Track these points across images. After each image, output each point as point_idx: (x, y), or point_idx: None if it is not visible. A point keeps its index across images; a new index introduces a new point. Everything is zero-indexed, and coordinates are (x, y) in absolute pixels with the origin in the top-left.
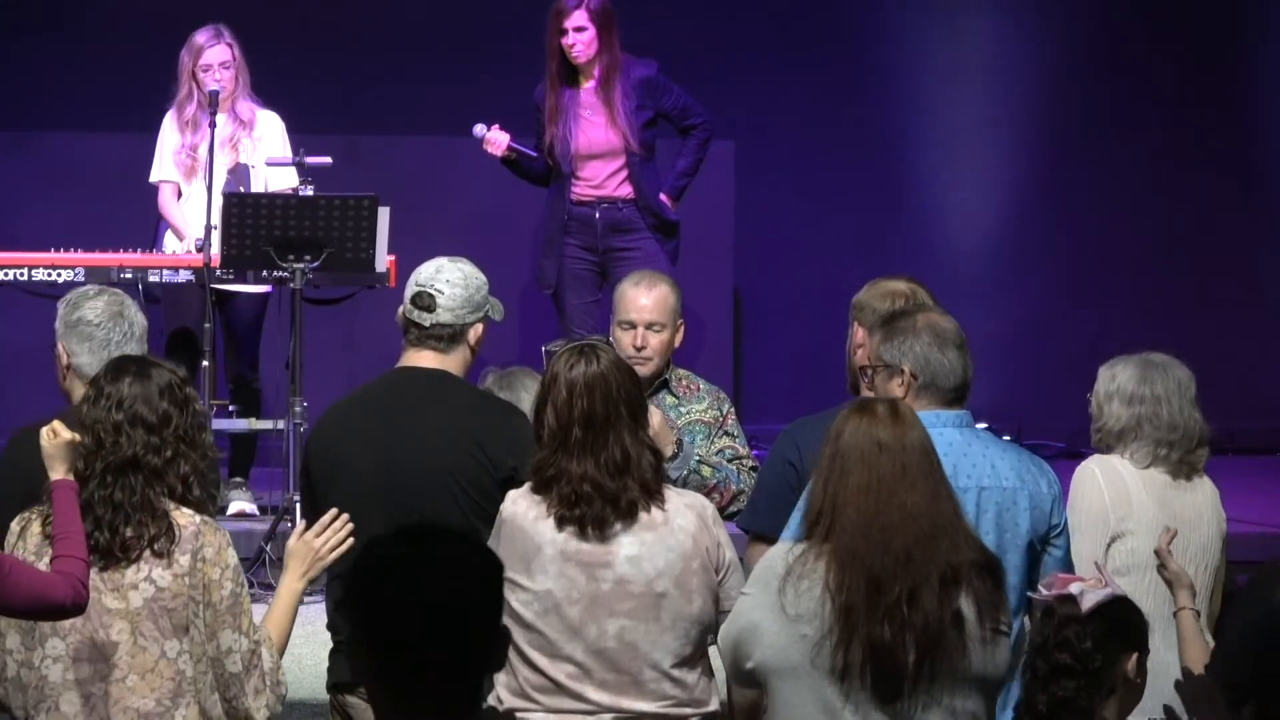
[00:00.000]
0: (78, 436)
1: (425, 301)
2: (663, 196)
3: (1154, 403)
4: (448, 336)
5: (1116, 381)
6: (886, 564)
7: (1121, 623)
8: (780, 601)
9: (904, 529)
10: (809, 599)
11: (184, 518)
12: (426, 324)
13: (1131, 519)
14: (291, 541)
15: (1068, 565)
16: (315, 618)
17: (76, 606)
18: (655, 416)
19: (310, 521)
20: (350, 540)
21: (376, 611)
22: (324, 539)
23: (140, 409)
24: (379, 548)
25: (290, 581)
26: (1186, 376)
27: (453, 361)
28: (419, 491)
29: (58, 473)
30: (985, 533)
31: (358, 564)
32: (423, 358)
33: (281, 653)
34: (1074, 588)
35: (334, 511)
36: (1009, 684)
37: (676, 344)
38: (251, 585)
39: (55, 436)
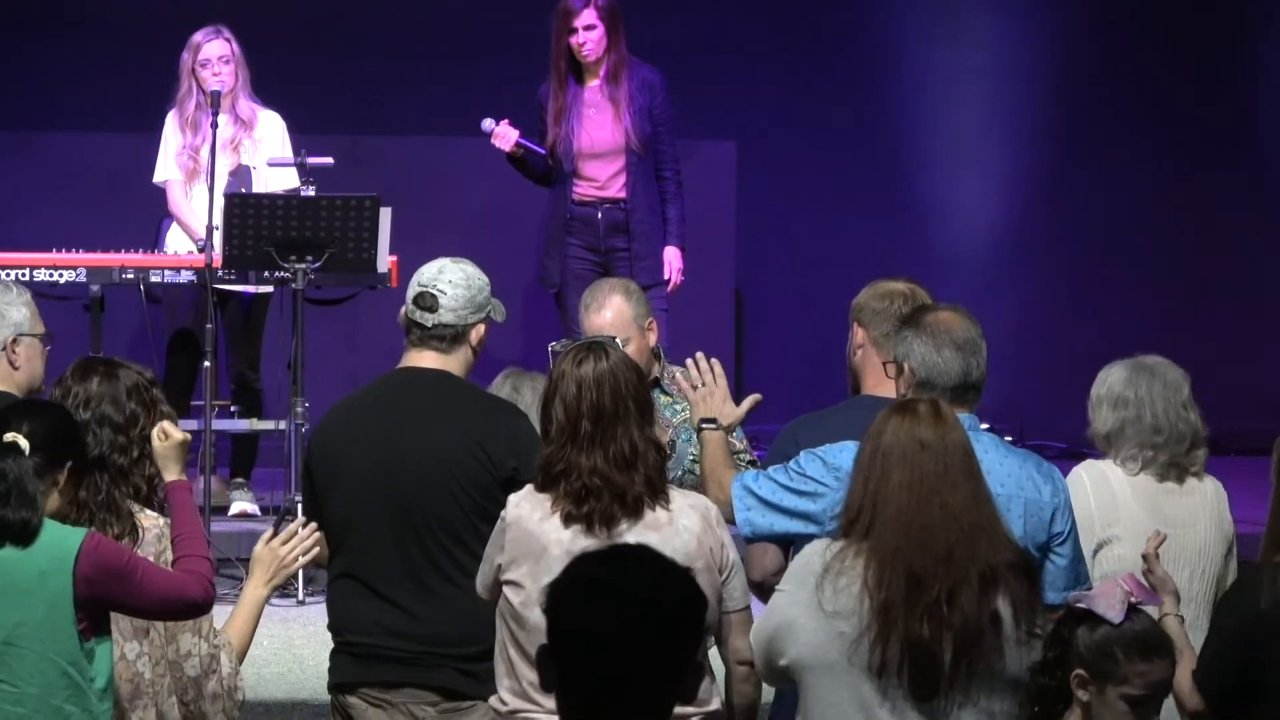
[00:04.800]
0: (189, 436)
1: (428, 302)
2: (673, 249)
3: (1137, 405)
4: (450, 337)
5: (1106, 384)
6: (927, 562)
7: (1081, 637)
8: (818, 598)
9: (945, 528)
10: (847, 596)
11: (148, 520)
12: (429, 324)
13: (1119, 524)
14: (257, 548)
15: (1075, 572)
16: (317, 618)
17: (207, 603)
18: None
19: (315, 522)
20: (317, 550)
21: (571, 633)
22: (290, 546)
23: (107, 409)
24: (585, 568)
25: (254, 588)
26: (1177, 378)
27: (454, 362)
28: (420, 492)
29: (171, 473)
30: None
31: (560, 581)
32: (424, 358)
33: (242, 658)
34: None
35: (302, 519)
36: None
37: (652, 343)
38: None
39: (166, 438)
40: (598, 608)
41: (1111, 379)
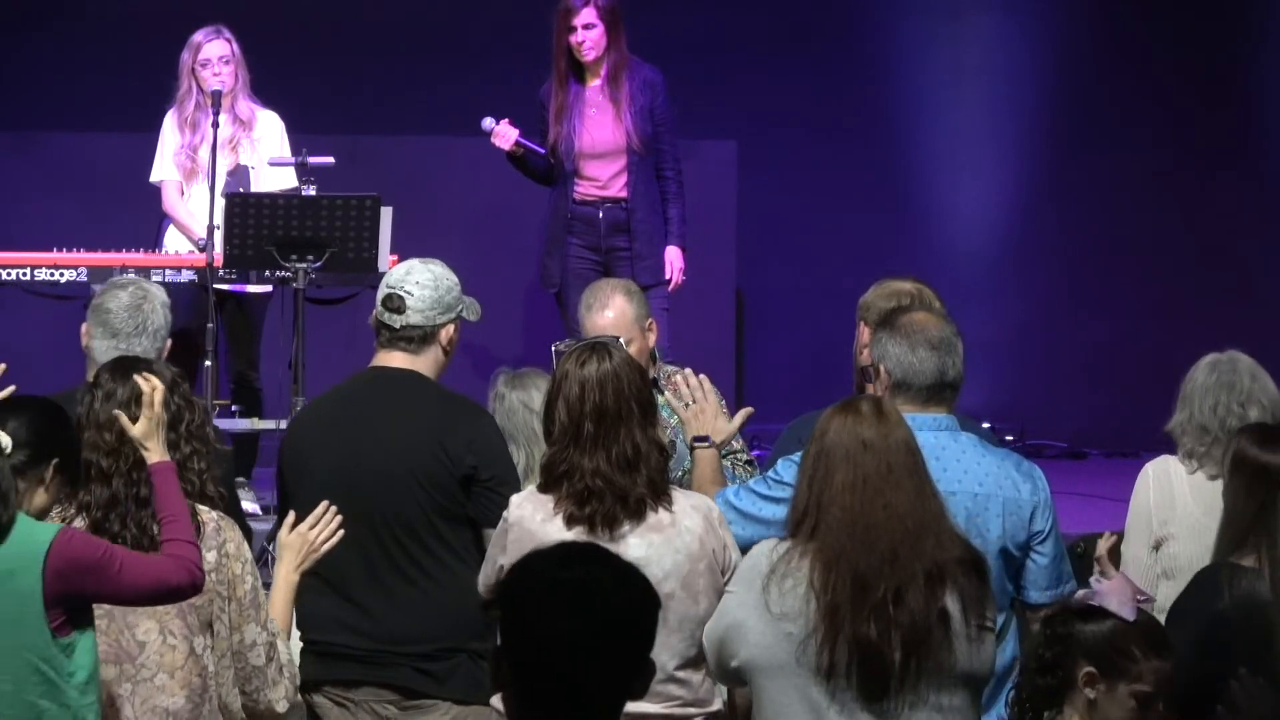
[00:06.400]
0: (162, 411)
1: (395, 303)
2: (674, 249)
3: (1188, 403)
4: (418, 338)
5: (1185, 380)
6: (872, 563)
7: (1091, 634)
8: (765, 600)
9: (889, 527)
10: (793, 597)
11: (204, 514)
12: (396, 325)
13: (1174, 522)
14: (283, 534)
15: (1057, 570)
16: None
17: (193, 587)
18: None
19: (333, 506)
20: (341, 533)
21: (526, 631)
22: (317, 530)
23: None
24: (538, 567)
25: (285, 573)
26: (1237, 377)
27: (423, 362)
28: (380, 490)
29: (155, 454)
30: None
31: (513, 580)
32: (393, 358)
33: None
34: (1096, 585)
35: (325, 504)
36: (1002, 684)
37: (651, 344)
38: None
39: (143, 414)
40: (555, 608)
41: (1190, 375)
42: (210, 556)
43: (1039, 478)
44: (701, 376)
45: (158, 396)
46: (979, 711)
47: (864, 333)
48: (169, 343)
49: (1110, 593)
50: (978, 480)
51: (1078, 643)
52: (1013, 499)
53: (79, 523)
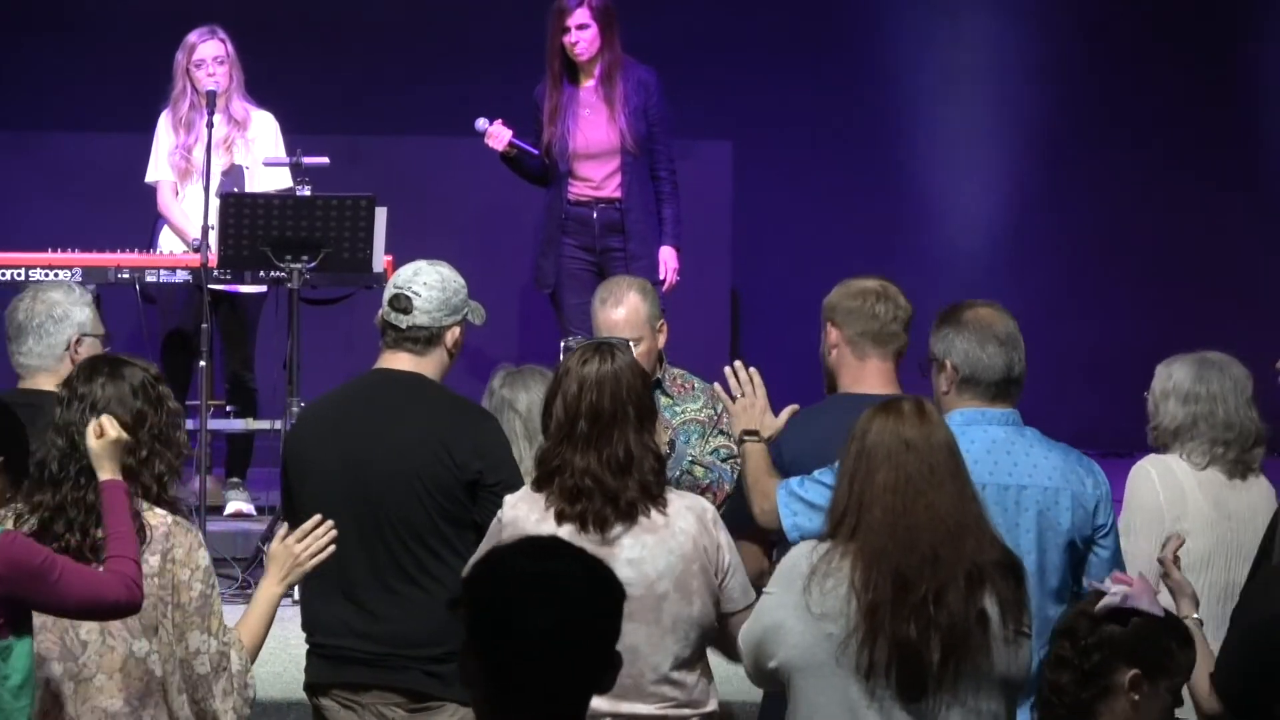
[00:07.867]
0: (124, 435)
1: (402, 304)
2: (668, 250)
3: (1210, 401)
4: (424, 339)
5: (1173, 380)
6: (913, 563)
7: (1130, 635)
8: (805, 600)
9: (931, 528)
10: (834, 598)
11: (155, 517)
12: (403, 326)
13: (1187, 518)
14: (274, 545)
15: (1116, 564)
16: None
17: (131, 605)
18: None
19: (288, 521)
20: (332, 548)
21: (495, 626)
22: (305, 544)
23: (115, 410)
24: (505, 561)
25: (269, 586)
26: (1243, 375)
27: (429, 364)
28: (384, 492)
29: (106, 472)
30: (1025, 531)
31: (480, 575)
32: (399, 360)
33: (254, 656)
34: (1116, 587)
35: (317, 518)
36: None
37: (661, 344)
38: (248, 586)
39: (101, 434)
40: (525, 601)
41: (1178, 375)
42: (154, 561)
43: (1099, 472)
44: (752, 370)
45: (105, 422)
46: (1014, 717)
47: (830, 333)
48: (81, 337)
49: (1141, 593)
50: (1047, 475)
51: (1118, 647)
52: (1079, 493)
53: (30, 524)
